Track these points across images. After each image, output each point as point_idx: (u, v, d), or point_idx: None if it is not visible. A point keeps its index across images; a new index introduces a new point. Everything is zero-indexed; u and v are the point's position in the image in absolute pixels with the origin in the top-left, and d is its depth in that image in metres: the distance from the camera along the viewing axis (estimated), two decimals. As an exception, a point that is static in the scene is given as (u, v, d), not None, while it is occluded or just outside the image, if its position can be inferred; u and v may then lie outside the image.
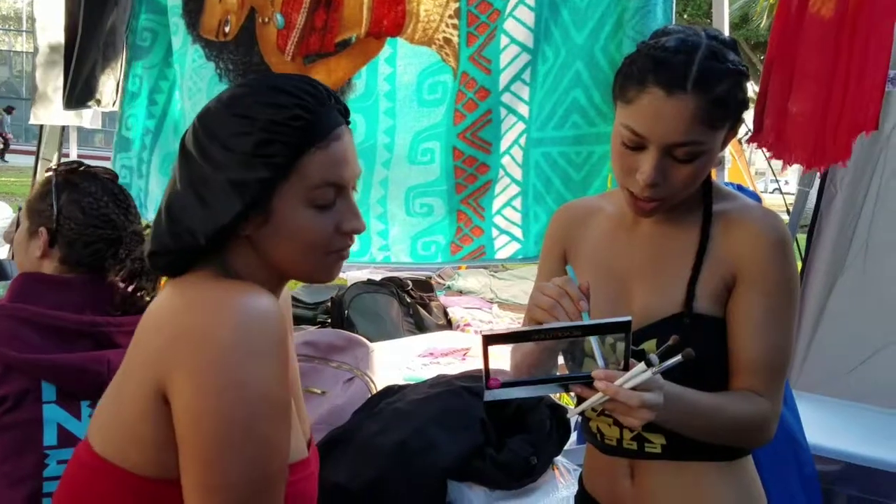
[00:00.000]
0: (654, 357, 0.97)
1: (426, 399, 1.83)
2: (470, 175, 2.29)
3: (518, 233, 2.30)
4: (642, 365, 0.97)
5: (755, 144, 1.99)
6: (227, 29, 2.50)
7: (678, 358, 0.96)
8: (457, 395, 1.80)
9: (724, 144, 1.16)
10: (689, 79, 1.05)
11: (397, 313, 4.39)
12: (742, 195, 1.25)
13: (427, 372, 2.42)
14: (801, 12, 2.07)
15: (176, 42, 2.65)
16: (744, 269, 1.15)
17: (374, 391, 2.07)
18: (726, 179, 2.18)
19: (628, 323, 0.95)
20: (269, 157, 0.93)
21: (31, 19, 3.53)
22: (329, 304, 4.89)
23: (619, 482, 1.23)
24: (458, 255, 2.35)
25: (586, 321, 1.00)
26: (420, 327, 4.37)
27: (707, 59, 1.07)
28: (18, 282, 1.46)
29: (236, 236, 0.96)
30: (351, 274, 6.13)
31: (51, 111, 3.33)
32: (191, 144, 0.96)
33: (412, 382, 2.05)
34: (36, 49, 3.42)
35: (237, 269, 0.97)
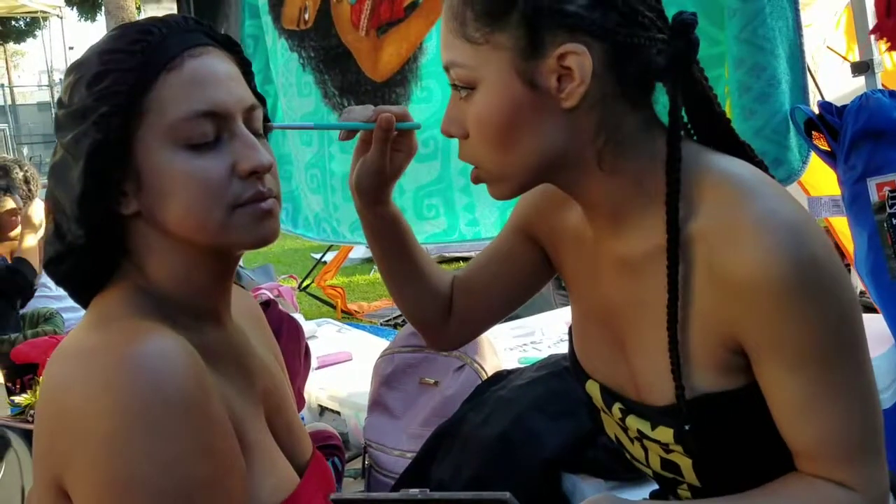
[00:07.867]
0: None
1: (529, 384, 1.66)
2: None
3: None
4: None
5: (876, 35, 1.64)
6: (306, 17, 2.44)
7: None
8: (559, 376, 1.61)
9: (527, 78, 0.82)
10: None
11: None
12: (742, 185, 0.80)
13: (549, 351, 2.23)
14: None
15: (268, 40, 2.64)
16: (749, 335, 0.79)
17: (484, 378, 1.92)
18: (879, 85, 1.80)
19: (506, 500, 0.73)
20: (105, 91, 0.74)
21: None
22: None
23: None
24: None
25: (460, 494, 0.76)
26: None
27: None
28: None
29: (128, 221, 0.79)
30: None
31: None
32: None
33: (526, 365, 1.88)
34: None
35: (153, 268, 0.80)
